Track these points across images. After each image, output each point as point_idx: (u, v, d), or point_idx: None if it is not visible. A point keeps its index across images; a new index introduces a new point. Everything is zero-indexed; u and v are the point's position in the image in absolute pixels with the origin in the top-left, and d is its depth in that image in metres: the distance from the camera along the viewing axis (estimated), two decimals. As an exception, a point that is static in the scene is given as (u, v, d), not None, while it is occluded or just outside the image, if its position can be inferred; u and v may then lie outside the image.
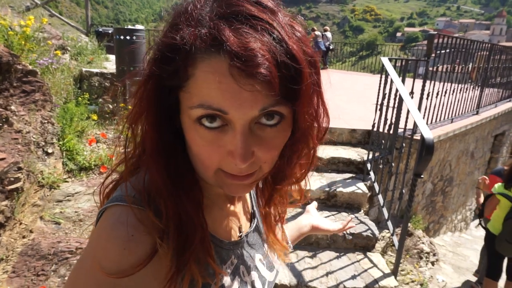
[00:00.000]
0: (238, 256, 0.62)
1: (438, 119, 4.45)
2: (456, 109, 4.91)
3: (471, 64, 5.49)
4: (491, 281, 3.69)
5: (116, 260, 0.44)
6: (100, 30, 7.53)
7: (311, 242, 2.91)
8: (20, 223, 2.30)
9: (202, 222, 0.51)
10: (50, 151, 2.84)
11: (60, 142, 2.98)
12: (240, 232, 0.64)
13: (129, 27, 4.04)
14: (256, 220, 0.70)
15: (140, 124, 0.50)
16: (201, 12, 0.43)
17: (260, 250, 0.68)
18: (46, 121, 2.96)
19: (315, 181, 3.39)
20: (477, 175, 6.96)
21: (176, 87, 0.45)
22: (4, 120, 2.58)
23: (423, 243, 4.10)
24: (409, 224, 4.13)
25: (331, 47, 13.52)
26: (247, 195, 0.73)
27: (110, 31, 7.04)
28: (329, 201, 3.32)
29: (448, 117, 4.72)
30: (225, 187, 0.50)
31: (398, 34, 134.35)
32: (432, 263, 4.01)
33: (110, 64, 4.93)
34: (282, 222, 0.74)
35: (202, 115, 0.43)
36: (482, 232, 6.05)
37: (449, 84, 4.54)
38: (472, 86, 5.45)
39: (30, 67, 3.02)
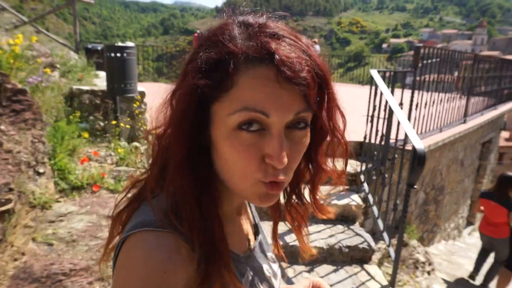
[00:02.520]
0: (252, 268, 0.63)
1: (427, 129, 4.52)
2: (444, 118, 5.01)
3: (456, 73, 5.62)
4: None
5: (158, 285, 0.44)
6: (89, 46, 7.52)
7: (308, 256, 2.89)
8: (12, 246, 2.24)
9: (225, 236, 0.53)
10: (41, 170, 2.79)
11: (52, 161, 2.93)
12: (249, 244, 0.67)
13: (120, 44, 4.04)
14: (260, 231, 0.73)
15: (166, 140, 0.52)
16: (243, 30, 0.49)
17: (265, 260, 0.70)
18: (36, 140, 2.91)
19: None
20: (467, 183, 7.05)
21: (210, 99, 0.48)
22: (-6, 140, 2.54)
23: (418, 252, 4.11)
24: (404, 235, 4.15)
25: (319, 59, 13.70)
26: (250, 208, 0.75)
27: (99, 48, 7.04)
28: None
29: (437, 127, 4.81)
30: (258, 198, 0.51)
31: (384, 45, 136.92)
32: (428, 273, 4.01)
33: (100, 81, 4.91)
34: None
35: (243, 120, 0.46)
36: (475, 240, 6.11)
37: (437, 93, 4.64)
38: (458, 95, 5.57)
39: (20, 86, 2.98)
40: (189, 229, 0.49)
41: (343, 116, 0.58)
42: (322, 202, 0.69)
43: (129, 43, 4.11)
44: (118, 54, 3.89)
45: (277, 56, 0.45)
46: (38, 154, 2.85)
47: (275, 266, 0.73)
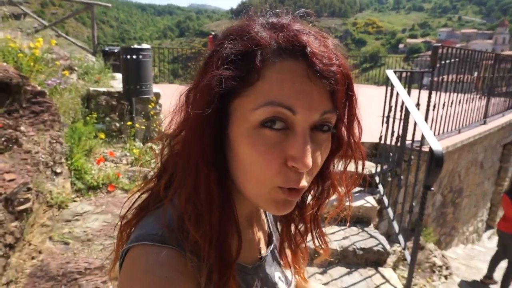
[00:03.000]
0: (261, 278, 0.60)
1: (445, 130, 4.42)
2: (463, 119, 4.89)
3: (476, 73, 5.49)
4: None
5: None
6: (107, 49, 7.65)
7: (321, 258, 2.86)
8: (29, 244, 2.29)
9: (236, 250, 0.50)
10: (58, 170, 2.85)
11: (69, 162, 3.00)
12: (260, 254, 0.63)
13: (136, 46, 4.10)
14: (273, 238, 0.68)
15: (180, 143, 0.49)
16: (269, 27, 0.47)
17: (278, 267, 0.67)
18: (54, 141, 2.98)
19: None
20: (487, 186, 6.86)
21: (232, 94, 0.45)
22: (14, 141, 2.61)
23: (435, 256, 4.02)
24: (420, 237, 4.07)
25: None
26: (266, 216, 0.71)
27: (116, 50, 7.16)
28: (338, 216, 3.27)
29: (455, 128, 4.69)
30: (274, 206, 0.48)
31: (401, 45, 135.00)
32: (445, 277, 3.92)
33: (116, 83, 4.99)
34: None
35: (268, 116, 0.43)
36: (495, 244, 5.94)
37: (455, 94, 4.53)
38: (478, 96, 5.43)
39: (39, 88, 3.06)
40: (202, 238, 0.47)
41: (359, 125, 0.54)
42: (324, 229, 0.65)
43: (145, 45, 4.16)
44: (134, 56, 3.95)
45: (309, 48, 0.43)
46: (55, 154, 2.92)
47: (289, 273, 0.70)
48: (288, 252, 0.69)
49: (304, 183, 0.46)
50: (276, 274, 0.65)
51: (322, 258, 0.67)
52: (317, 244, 0.65)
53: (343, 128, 0.53)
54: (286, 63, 0.44)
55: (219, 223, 0.48)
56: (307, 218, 0.63)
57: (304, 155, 0.43)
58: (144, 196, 0.56)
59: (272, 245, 0.67)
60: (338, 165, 0.59)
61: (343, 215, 0.63)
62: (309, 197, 0.62)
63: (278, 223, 0.71)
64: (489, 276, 4.83)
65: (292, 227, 0.66)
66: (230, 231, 0.49)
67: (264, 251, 0.65)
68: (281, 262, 0.69)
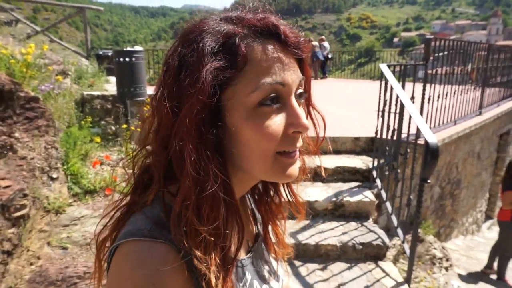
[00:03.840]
0: (251, 271, 0.61)
1: (441, 122, 4.43)
2: (459, 110, 4.90)
3: (470, 65, 5.49)
4: None
5: None
6: (100, 53, 7.62)
7: (321, 254, 2.87)
8: (28, 250, 2.29)
9: (238, 243, 0.52)
10: (54, 176, 2.84)
11: (65, 166, 2.99)
12: (248, 246, 0.64)
13: (128, 49, 4.09)
14: (259, 230, 0.70)
15: (180, 136, 0.47)
16: (236, 13, 0.52)
17: (266, 260, 0.68)
18: (50, 146, 2.97)
19: (321, 192, 3.37)
20: (485, 176, 6.89)
21: (222, 86, 0.47)
22: (8, 147, 2.60)
23: (435, 248, 4.03)
24: (419, 230, 4.07)
25: (329, 56, 13.60)
26: (250, 204, 0.72)
27: (109, 54, 7.14)
28: (337, 211, 3.28)
29: (451, 120, 4.70)
30: (283, 173, 0.52)
31: (395, 39, 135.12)
32: (446, 269, 3.93)
33: (110, 86, 4.98)
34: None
35: (266, 95, 0.47)
36: (494, 234, 5.96)
37: (450, 86, 4.54)
38: (473, 87, 5.44)
39: (33, 94, 3.05)
40: (210, 233, 0.46)
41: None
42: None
43: (137, 48, 4.16)
44: (127, 59, 3.94)
45: (281, 26, 0.50)
46: (51, 159, 2.91)
47: (278, 266, 0.71)
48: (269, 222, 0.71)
49: (300, 143, 0.53)
50: (265, 268, 0.66)
51: (300, 219, 0.70)
52: (292, 206, 0.68)
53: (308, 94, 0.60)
54: (265, 43, 0.49)
55: (227, 216, 0.49)
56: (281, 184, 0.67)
57: (301, 119, 0.50)
58: (121, 210, 0.55)
59: (260, 238, 0.68)
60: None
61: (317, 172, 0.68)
62: None
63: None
64: (489, 266, 4.86)
65: (268, 199, 0.69)
66: (235, 224, 0.51)
67: (251, 242, 0.66)
68: (268, 250, 0.70)
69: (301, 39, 0.51)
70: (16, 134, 2.78)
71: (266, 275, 0.65)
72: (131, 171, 0.56)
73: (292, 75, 0.50)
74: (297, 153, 0.52)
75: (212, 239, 0.47)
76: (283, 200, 0.68)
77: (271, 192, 0.68)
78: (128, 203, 0.55)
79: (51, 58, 4.74)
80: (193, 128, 0.46)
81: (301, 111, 0.50)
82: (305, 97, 0.57)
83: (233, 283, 0.51)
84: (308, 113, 0.60)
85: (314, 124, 0.61)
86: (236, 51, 0.46)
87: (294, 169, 0.53)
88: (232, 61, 0.46)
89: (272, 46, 0.48)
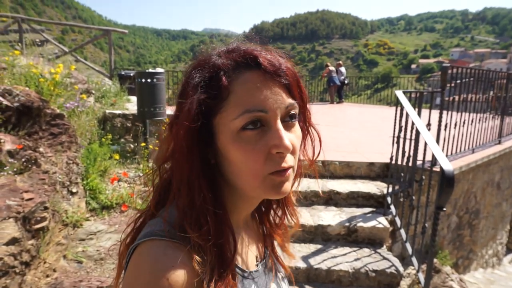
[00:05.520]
0: (258, 285, 0.64)
1: (458, 150, 4.37)
2: (477, 139, 4.83)
3: (491, 92, 5.45)
4: None
5: None
6: (122, 73, 7.90)
7: (333, 280, 2.83)
8: (45, 262, 2.35)
9: (234, 250, 0.56)
10: (74, 190, 2.93)
11: (84, 182, 3.08)
12: (257, 260, 0.68)
13: (150, 70, 4.25)
14: (268, 247, 0.74)
15: (176, 157, 0.56)
16: (224, 52, 0.58)
17: (274, 277, 0.71)
18: (71, 162, 3.08)
19: (335, 216, 3.35)
20: (505, 207, 6.67)
21: (211, 113, 0.55)
22: (33, 161, 2.71)
23: (452, 280, 3.90)
24: (436, 260, 3.96)
25: (346, 81, 13.69)
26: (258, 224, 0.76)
27: (131, 74, 7.40)
28: (350, 237, 3.25)
29: (468, 148, 4.64)
30: (273, 190, 0.55)
31: (413, 66, 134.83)
32: (464, 302, 3.79)
33: (131, 105, 5.15)
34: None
35: (247, 122, 0.52)
36: (516, 268, 5.71)
37: (468, 114, 4.50)
38: (491, 115, 5.38)
39: (58, 111, 3.19)
40: (202, 240, 0.52)
41: (310, 112, 0.66)
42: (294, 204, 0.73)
43: (159, 69, 4.31)
44: (149, 80, 4.08)
45: (260, 59, 0.55)
46: (72, 174, 3.01)
47: (284, 285, 0.74)
48: (275, 236, 0.76)
49: (289, 163, 0.55)
50: (272, 285, 0.69)
51: (295, 230, 0.75)
52: (290, 219, 0.73)
53: (302, 117, 0.63)
54: (247, 74, 0.54)
55: (215, 226, 0.54)
56: (282, 200, 0.71)
57: (283, 140, 0.53)
58: (140, 221, 0.63)
59: (267, 255, 0.72)
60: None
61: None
62: None
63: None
64: None
65: (272, 213, 0.74)
66: (226, 232, 0.56)
67: (260, 259, 0.70)
68: (276, 266, 0.73)
69: (282, 67, 0.55)
70: (41, 149, 2.90)
71: None
72: (148, 188, 0.64)
73: (277, 101, 0.54)
74: (288, 171, 0.55)
75: (201, 243, 0.52)
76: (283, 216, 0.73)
77: (274, 206, 0.73)
78: (147, 214, 0.62)
79: (77, 77, 4.95)
80: (180, 148, 0.54)
81: (284, 134, 0.53)
82: (300, 119, 0.62)
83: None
84: (307, 133, 0.65)
85: (311, 142, 0.66)
86: (220, 84, 0.53)
87: (285, 187, 0.56)
88: (217, 92, 0.53)
89: (253, 77, 0.54)
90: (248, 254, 0.66)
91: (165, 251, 0.50)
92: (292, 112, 0.56)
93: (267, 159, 0.53)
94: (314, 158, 0.68)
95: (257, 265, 0.67)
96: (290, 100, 0.56)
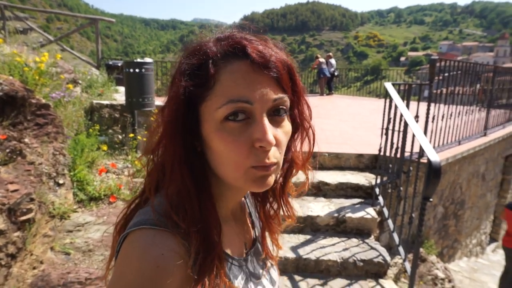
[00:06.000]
0: (247, 272, 0.65)
1: (445, 142, 4.44)
2: (463, 131, 4.91)
3: (477, 85, 5.53)
4: None
5: (150, 278, 0.48)
6: (110, 63, 7.76)
7: (322, 270, 2.86)
8: (31, 254, 2.32)
9: (219, 236, 0.56)
10: (61, 182, 2.89)
11: (71, 173, 3.03)
12: (246, 248, 0.69)
13: (138, 60, 4.18)
14: (257, 235, 0.74)
15: (163, 143, 0.56)
16: (216, 39, 0.57)
17: (262, 264, 0.71)
18: (58, 153, 3.03)
19: (323, 207, 3.38)
20: (489, 198, 6.83)
21: (197, 100, 0.54)
22: (18, 152, 2.65)
23: (437, 269, 4.00)
24: (421, 249, 4.04)
25: (335, 73, 13.71)
26: (249, 209, 0.77)
27: (119, 64, 7.27)
28: (339, 227, 3.28)
29: (455, 139, 4.71)
30: (253, 183, 0.55)
31: (402, 58, 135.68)
32: (448, 290, 3.88)
33: (119, 96, 5.07)
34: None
35: (230, 112, 0.52)
36: (499, 257, 5.88)
37: (455, 106, 4.56)
38: (478, 108, 5.46)
39: (44, 101, 3.12)
40: (187, 226, 0.52)
41: (308, 107, 0.64)
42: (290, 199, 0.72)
43: (147, 59, 4.24)
44: (137, 70, 4.02)
45: (248, 49, 0.53)
46: (58, 166, 2.96)
47: (274, 274, 0.74)
48: (266, 231, 0.76)
49: (273, 159, 0.54)
50: (261, 271, 0.70)
51: (290, 223, 0.74)
52: (285, 213, 0.73)
53: (296, 111, 0.61)
54: (234, 64, 0.53)
55: (200, 212, 0.55)
56: (278, 194, 0.70)
57: (266, 134, 0.51)
58: (134, 204, 0.63)
59: (257, 243, 0.73)
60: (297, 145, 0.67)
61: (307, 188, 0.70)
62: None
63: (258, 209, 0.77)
64: None
65: (267, 205, 0.73)
66: (211, 218, 0.56)
67: (249, 245, 0.70)
68: (264, 255, 0.73)
69: (272, 59, 0.53)
70: (26, 140, 2.84)
71: (262, 277, 0.69)
72: (137, 179, 0.63)
73: (263, 93, 0.52)
74: (273, 167, 0.54)
75: (186, 228, 0.52)
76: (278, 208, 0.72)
77: (270, 199, 0.72)
78: (143, 199, 0.62)
79: (63, 66, 4.85)
80: (165, 134, 0.55)
81: (269, 127, 0.52)
82: (291, 113, 0.60)
83: (229, 279, 0.57)
84: (302, 128, 0.64)
85: (305, 138, 0.65)
86: (207, 72, 0.53)
87: (268, 181, 0.55)
88: (204, 80, 0.53)
89: (241, 67, 0.52)
90: (236, 242, 0.66)
91: (154, 239, 0.50)
92: (281, 106, 0.55)
93: (250, 152, 0.52)
94: (305, 160, 0.67)
95: (246, 253, 0.68)
96: (279, 94, 0.54)
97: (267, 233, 0.76)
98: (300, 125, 0.63)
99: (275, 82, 0.54)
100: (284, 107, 0.56)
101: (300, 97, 0.61)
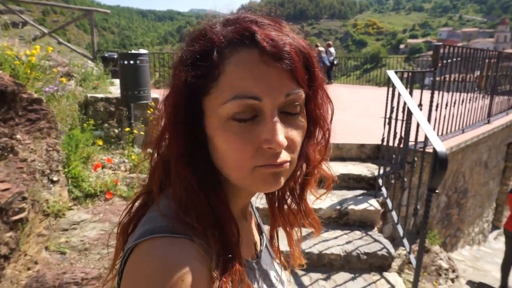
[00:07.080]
0: (260, 274, 0.61)
1: (449, 130, 4.35)
2: (467, 119, 4.82)
3: (478, 72, 5.42)
4: None
5: None
6: (106, 55, 7.64)
7: (324, 263, 2.80)
8: (25, 255, 2.25)
9: (236, 236, 0.51)
10: (55, 179, 2.81)
11: (65, 169, 2.95)
12: (256, 250, 0.65)
13: (133, 51, 4.07)
14: (264, 235, 0.70)
15: (166, 138, 0.52)
16: (223, 22, 0.50)
17: (272, 266, 0.67)
18: (51, 149, 2.94)
19: (326, 199, 3.30)
20: (492, 185, 6.78)
21: (201, 92, 0.48)
22: (9, 149, 2.57)
23: (441, 259, 3.95)
24: (425, 240, 3.99)
25: (335, 62, 13.57)
26: (253, 213, 0.72)
27: (115, 56, 7.15)
28: (341, 220, 3.22)
29: (459, 128, 4.63)
30: (263, 183, 0.49)
31: (402, 46, 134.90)
32: (452, 280, 3.84)
33: (115, 89, 4.97)
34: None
35: (236, 110, 0.45)
36: (501, 245, 5.85)
37: (458, 94, 4.47)
38: (481, 95, 5.36)
39: (36, 96, 3.02)
40: (203, 227, 0.47)
41: (329, 100, 0.56)
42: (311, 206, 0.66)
43: (142, 50, 4.13)
44: (132, 62, 3.91)
45: (257, 35, 0.45)
46: (52, 162, 2.87)
47: (282, 273, 0.70)
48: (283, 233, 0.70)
49: (284, 157, 0.47)
50: (271, 273, 0.65)
51: (316, 234, 0.68)
52: (307, 222, 0.66)
53: (313, 106, 0.53)
54: (241, 52, 0.46)
55: (212, 210, 0.49)
56: (295, 196, 0.64)
57: (275, 134, 0.45)
58: (139, 201, 0.58)
59: (265, 243, 0.68)
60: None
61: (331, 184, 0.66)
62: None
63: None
64: (504, 286, 4.68)
65: (285, 208, 0.66)
66: (225, 216, 0.50)
67: (259, 248, 0.66)
68: (273, 256, 0.70)
69: (286, 48, 0.45)
70: (18, 136, 2.75)
71: (273, 280, 0.65)
72: (133, 174, 0.56)
73: (274, 88, 0.45)
74: (285, 164, 0.48)
75: (198, 226, 0.47)
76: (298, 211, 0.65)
77: (288, 199, 0.64)
78: (144, 192, 0.57)
79: (56, 60, 4.73)
80: (167, 125, 0.50)
81: (279, 127, 0.45)
82: (307, 108, 0.53)
83: (249, 283, 0.51)
84: (318, 126, 0.56)
85: (320, 139, 0.58)
86: (210, 62, 0.46)
87: (279, 179, 0.49)
88: (207, 70, 0.47)
89: (249, 57, 0.45)
90: (248, 243, 0.62)
91: (174, 249, 0.44)
92: (295, 102, 0.48)
93: (257, 152, 0.46)
94: (317, 163, 0.60)
95: (256, 255, 0.64)
96: (292, 88, 0.47)
97: (274, 233, 0.70)
98: (316, 123, 0.56)
99: (289, 74, 0.46)
100: (298, 103, 0.49)
101: (318, 90, 0.53)
